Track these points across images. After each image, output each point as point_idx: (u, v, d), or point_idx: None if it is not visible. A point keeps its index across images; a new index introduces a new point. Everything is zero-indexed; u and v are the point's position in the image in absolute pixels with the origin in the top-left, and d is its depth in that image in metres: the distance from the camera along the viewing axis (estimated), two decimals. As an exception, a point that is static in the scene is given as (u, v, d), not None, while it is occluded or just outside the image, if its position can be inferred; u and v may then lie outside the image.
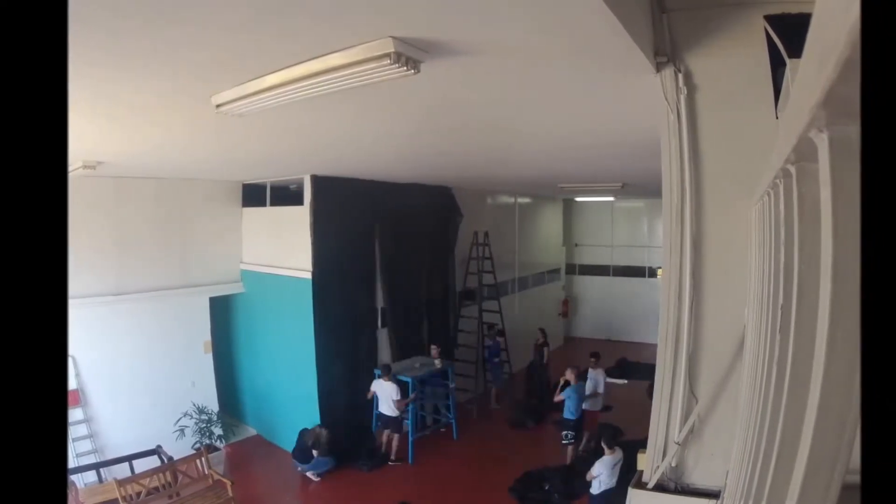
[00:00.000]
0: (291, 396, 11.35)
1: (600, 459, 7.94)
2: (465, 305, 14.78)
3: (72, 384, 9.41)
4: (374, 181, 11.54)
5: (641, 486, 4.20)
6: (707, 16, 3.66)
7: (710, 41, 3.69)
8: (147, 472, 8.52)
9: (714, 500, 3.87)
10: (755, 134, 3.60)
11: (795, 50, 2.34)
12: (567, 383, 10.46)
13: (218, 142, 6.56)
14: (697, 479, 4.07)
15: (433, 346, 12.09)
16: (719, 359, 3.90)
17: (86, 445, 9.51)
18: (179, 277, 11.18)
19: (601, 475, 7.83)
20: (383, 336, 12.21)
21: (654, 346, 4.33)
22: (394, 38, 2.85)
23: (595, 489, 7.93)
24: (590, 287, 22.06)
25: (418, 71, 3.11)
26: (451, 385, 12.09)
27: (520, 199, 17.97)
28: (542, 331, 14.99)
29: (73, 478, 8.56)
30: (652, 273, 20.13)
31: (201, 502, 8.58)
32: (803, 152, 1.42)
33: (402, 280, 12.45)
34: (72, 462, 8.95)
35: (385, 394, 10.73)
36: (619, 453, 7.94)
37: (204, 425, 10.58)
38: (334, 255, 10.86)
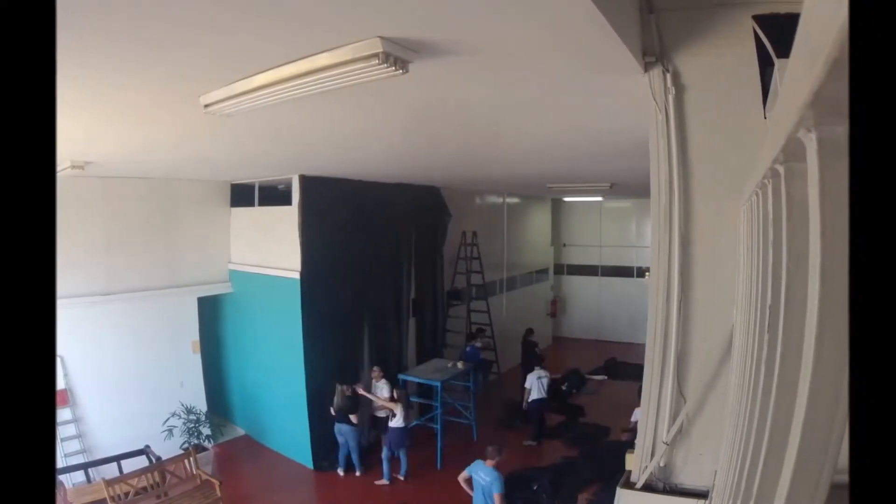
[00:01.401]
0: (279, 396, 11.30)
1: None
2: (453, 305, 14.79)
3: (60, 384, 9.36)
4: (362, 181, 11.52)
5: (630, 486, 4.20)
6: (695, 16, 3.66)
7: (699, 41, 3.70)
8: (135, 472, 8.49)
9: (703, 500, 3.88)
10: (743, 134, 3.60)
11: (784, 50, 2.35)
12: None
13: (206, 142, 6.52)
14: (686, 478, 4.07)
15: (375, 368, 11.13)
16: (708, 359, 3.91)
17: (74, 445, 9.46)
18: (168, 277, 11.14)
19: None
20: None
21: (642, 346, 4.33)
22: (382, 38, 2.84)
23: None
24: (578, 287, 22.11)
25: (407, 71, 3.10)
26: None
27: (508, 199, 17.99)
28: (531, 330, 15.07)
29: (61, 478, 8.51)
30: (640, 273, 20.19)
31: (189, 502, 8.55)
32: (791, 152, 1.42)
33: (391, 280, 12.45)
34: (60, 462, 8.91)
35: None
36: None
37: (192, 425, 10.54)
38: (323, 255, 10.83)
